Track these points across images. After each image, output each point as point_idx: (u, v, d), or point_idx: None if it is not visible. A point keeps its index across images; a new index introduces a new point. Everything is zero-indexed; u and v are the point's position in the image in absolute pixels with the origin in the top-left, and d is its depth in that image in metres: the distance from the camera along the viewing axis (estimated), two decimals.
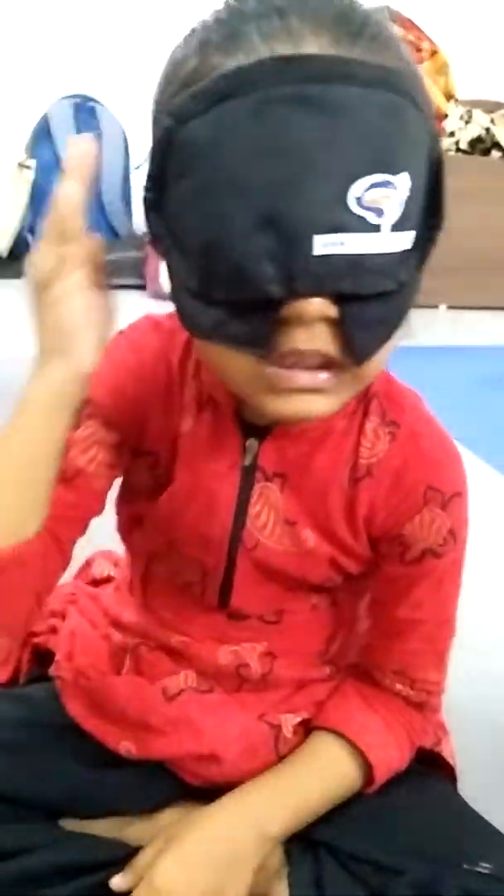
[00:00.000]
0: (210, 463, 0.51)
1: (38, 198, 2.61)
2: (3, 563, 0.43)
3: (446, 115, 2.56)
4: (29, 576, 0.45)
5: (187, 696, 0.55)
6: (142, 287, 2.41)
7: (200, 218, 0.37)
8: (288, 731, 0.55)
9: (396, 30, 0.37)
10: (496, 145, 2.58)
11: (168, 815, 0.54)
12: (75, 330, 0.41)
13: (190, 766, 0.54)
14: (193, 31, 0.39)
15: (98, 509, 0.52)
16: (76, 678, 0.58)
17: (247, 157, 0.35)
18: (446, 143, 2.53)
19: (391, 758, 0.54)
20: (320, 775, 0.53)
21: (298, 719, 0.56)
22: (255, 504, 0.52)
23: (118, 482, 0.56)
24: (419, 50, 2.51)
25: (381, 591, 0.55)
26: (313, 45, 0.35)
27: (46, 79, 2.57)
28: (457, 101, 2.63)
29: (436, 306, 2.55)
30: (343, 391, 0.42)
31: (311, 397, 0.41)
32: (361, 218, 0.35)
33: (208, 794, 0.53)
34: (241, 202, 0.36)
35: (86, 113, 2.67)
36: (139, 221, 2.61)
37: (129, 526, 0.58)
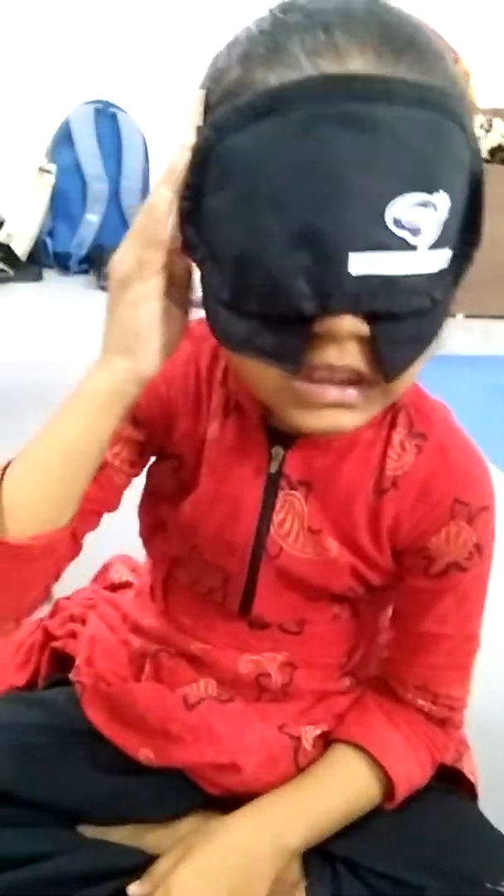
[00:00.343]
0: (235, 469, 0.51)
1: (59, 202, 2.63)
2: (35, 552, 0.43)
3: None
4: (51, 564, 0.46)
5: (208, 704, 0.55)
6: None
7: (237, 231, 0.37)
8: (308, 744, 0.55)
9: (443, 43, 0.37)
10: None
11: (187, 824, 0.54)
12: (144, 333, 0.41)
13: (209, 774, 0.54)
14: (237, 39, 0.39)
15: (114, 505, 0.52)
16: (96, 683, 0.58)
17: (287, 173, 0.35)
18: None
19: (412, 774, 0.54)
20: (340, 789, 0.53)
21: (318, 731, 0.56)
22: (279, 512, 0.52)
23: (140, 488, 0.56)
24: None
25: (404, 604, 0.55)
26: (357, 62, 0.35)
27: (68, 84, 2.59)
28: (478, 109, 2.63)
29: (453, 315, 2.53)
30: (371, 406, 0.42)
31: (338, 412, 0.41)
32: (399, 238, 0.35)
33: (227, 803, 0.53)
34: (279, 217, 0.36)
35: (107, 118, 2.69)
36: None
37: (151, 531, 0.58)
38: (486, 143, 2.56)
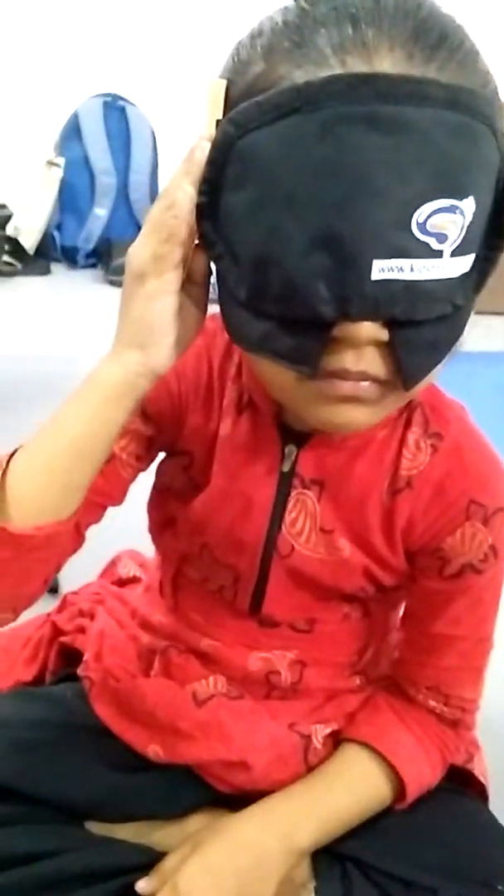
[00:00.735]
0: (248, 467, 0.51)
1: (67, 196, 2.63)
2: (37, 542, 0.42)
3: None
4: (52, 556, 0.45)
5: (217, 701, 0.55)
6: None
7: (256, 230, 0.36)
8: (318, 742, 0.54)
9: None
10: None
11: (195, 821, 0.54)
12: (158, 329, 0.41)
13: (218, 772, 0.54)
14: (261, 30, 0.37)
15: (119, 499, 0.52)
16: (105, 679, 0.58)
17: (310, 173, 0.34)
18: None
19: (423, 774, 0.53)
20: (351, 789, 0.52)
21: (328, 730, 0.55)
22: (291, 510, 0.51)
23: (148, 483, 0.55)
24: None
25: (417, 605, 0.55)
26: (386, 61, 0.34)
27: (76, 77, 2.58)
28: None
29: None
30: (387, 403, 0.41)
31: (353, 407, 0.40)
32: (424, 244, 0.34)
33: (236, 801, 0.53)
34: (300, 219, 0.35)
35: (115, 111, 2.69)
36: None
37: (160, 527, 0.58)
38: None
